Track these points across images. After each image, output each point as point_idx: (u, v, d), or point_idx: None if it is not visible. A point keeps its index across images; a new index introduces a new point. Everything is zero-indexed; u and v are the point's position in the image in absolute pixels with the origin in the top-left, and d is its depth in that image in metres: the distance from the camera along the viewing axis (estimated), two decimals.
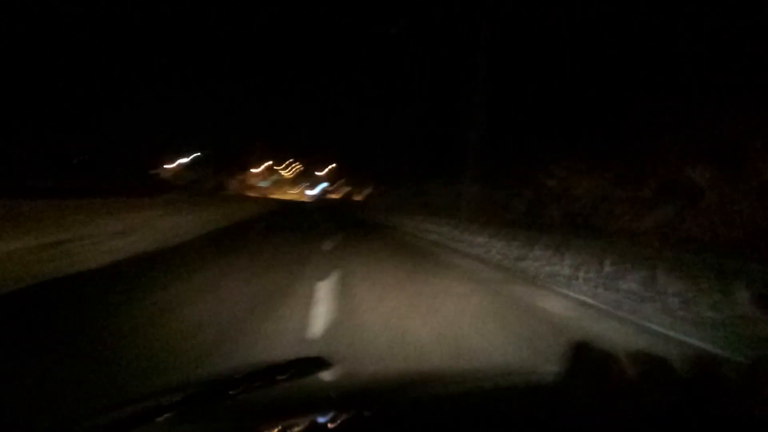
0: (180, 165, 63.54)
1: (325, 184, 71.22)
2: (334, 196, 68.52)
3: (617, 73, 19.98)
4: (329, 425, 0.76)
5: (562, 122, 22.92)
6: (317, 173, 76.39)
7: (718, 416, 0.62)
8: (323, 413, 0.82)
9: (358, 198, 51.60)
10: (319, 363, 1.13)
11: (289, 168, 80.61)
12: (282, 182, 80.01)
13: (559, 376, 0.80)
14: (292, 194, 72.25)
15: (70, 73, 41.99)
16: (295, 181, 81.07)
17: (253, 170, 72.44)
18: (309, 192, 73.36)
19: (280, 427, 0.73)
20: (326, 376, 1.12)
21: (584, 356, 0.78)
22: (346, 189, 66.75)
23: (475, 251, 10.49)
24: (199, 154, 62.56)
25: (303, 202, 48.86)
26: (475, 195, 29.53)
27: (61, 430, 1.01)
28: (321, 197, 66.30)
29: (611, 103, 20.22)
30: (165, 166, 62.42)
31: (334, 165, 73.70)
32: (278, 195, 67.85)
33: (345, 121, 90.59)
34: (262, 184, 69.26)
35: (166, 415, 0.80)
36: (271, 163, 74.47)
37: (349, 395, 1.00)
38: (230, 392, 0.92)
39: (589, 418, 0.65)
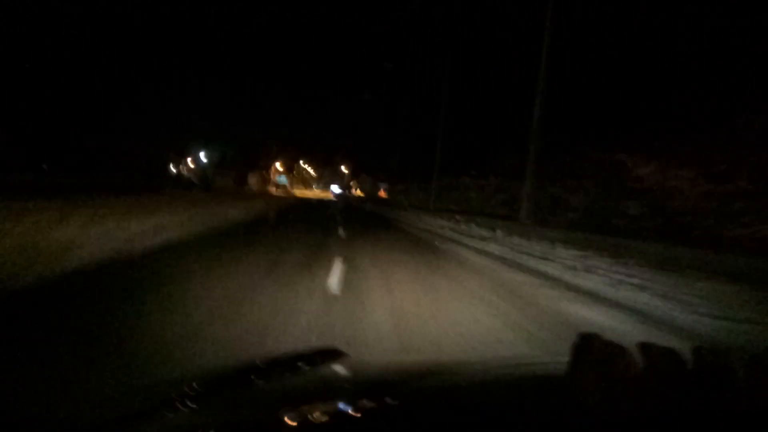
0: (195, 162, 60.50)
1: (338, 190, 66.88)
2: (356, 192, 64.39)
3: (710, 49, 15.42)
4: (348, 413, 0.76)
5: (634, 107, 18.21)
6: (340, 169, 72.32)
7: (726, 409, 0.60)
8: (342, 402, 0.83)
9: (381, 195, 47.13)
10: (335, 353, 1.12)
11: (304, 166, 76.91)
12: (302, 180, 76.48)
13: (567, 367, 0.74)
14: (309, 192, 68.61)
15: (88, 71, 39.00)
16: (314, 178, 77.34)
17: (272, 167, 68.96)
18: (331, 189, 69.47)
19: (300, 415, 0.73)
20: (342, 366, 1.09)
21: (592, 347, 0.73)
22: (368, 185, 62.40)
23: (596, 286, 5.89)
24: (206, 152, 59.19)
25: (321, 200, 44.80)
26: (521, 189, 24.66)
27: (83, 415, 0.92)
28: (343, 195, 62.32)
29: (703, 84, 15.48)
30: (180, 163, 59.57)
31: (352, 162, 69.55)
32: (297, 192, 64.49)
33: (363, 115, 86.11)
34: (279, 180, 65.52)
35: (187, 403, 0.79)
36: (284, 161, 70.79)
37: (365, 384, 0.99)
38: (251, 379, 0.93)
39: (597, 410, 0.63)
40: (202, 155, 58.37)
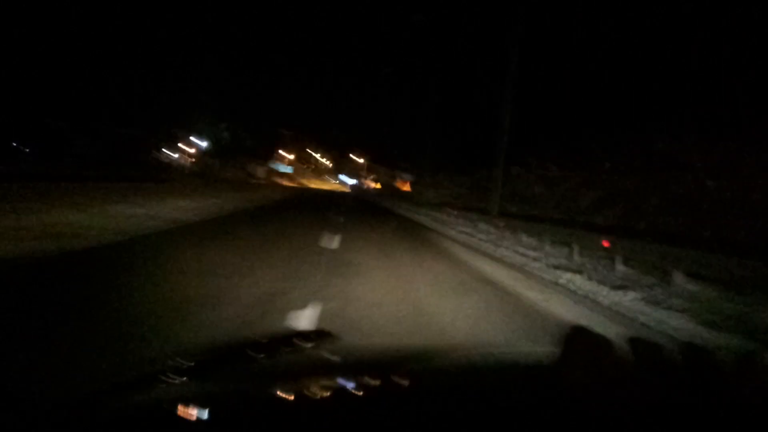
0: (198, 149, 52.71)
1: (351, 181, 58.15)
2: (372, 185, 55.68)
3: None
4: (339, 392, 0.76)
5: None
6: (355, 158, 63.67)
7: (710, 404, 0.60)
8: (333, 381, 0.83)
9: (403, 187, 38.15)
10: (327, 335, 1.11)
11: (320, 156, 68.64)
12: (316, 171, 68.36)
13: (555, 358, 0.74)
14: (323, 183, 60.32)
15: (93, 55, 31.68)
16: (329, 169, 68.94)
17: (283, 155, 60.85)
18: (346, 180, 60.96)
19: (292, 391, 0.73)
20: (333, 347, 1.07)
21: (580, 340, 0.73)
22: (386, 176, 53.47)
23: None
24: (205, 138, 51.26)
25: (333, 193, 36.32)
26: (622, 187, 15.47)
27: (84, 389, 0.87)
28: (357, 187, 53.80)
29: None
30: (181, 151, 51.86)
31: (369, 152, 60.85)
32: (312, 184, 56.67)
33: (382, 100, 76.44)
34: (284, 169, 57.22)
35: (177, 376, 0.78)
36: (295, 150, 62.50)
37: (354, 366, 0.97)
38: (244, 355, 0.92)
39: (584, 400, 0.63)
40: (200, 142, 50.56)
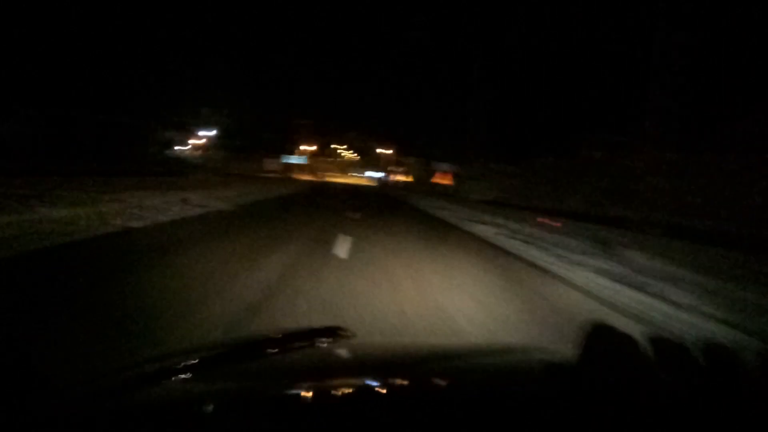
0: (206, 141, 48.06)
1: (378, 175, 52.27)
2: (402, 178, 49.49)
3: None
4: (356, 391, 0.75)
5: None
6: (383, 150, 57.54)
7: (734, 404, 0.59)
8: (350, 380, 0.81)
9: (443, 180, 31.60)
10: (343, 333, 1.08)
11: (345, 148, 63.15)
12: (337, 164, 63.00)
13: (575, 355, 0.73)
14: (344, 177, 54.74)
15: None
16: (355, 162, 63.25)
17: (302, 148, 55.64)
18: (372, 175, 55.14)
19: (309, 389, 0.73)
20: (349, 345, 1.07)
21: (601, 337, 0.71)
22: (420, 168, 47.10)
23: None
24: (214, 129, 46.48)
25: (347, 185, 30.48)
26: None
27: (94, 378, 0.87)
28: (385, 182, 47.78)
29: None
30: (187, 142, 47.39)
31: (396, 141, 54.63)
32: (335, 178, 51.40)
33: (412, 83, 69.37)
34: (295, 160, 51.74)
35: (199, 371, 0.78)
36: (318, 142, 57.08)
37: (371, 365, 0.95)
38: (264, 351, 0.92)
39: (604, 399, 0.62)
40: (208, 132, 45.76)
